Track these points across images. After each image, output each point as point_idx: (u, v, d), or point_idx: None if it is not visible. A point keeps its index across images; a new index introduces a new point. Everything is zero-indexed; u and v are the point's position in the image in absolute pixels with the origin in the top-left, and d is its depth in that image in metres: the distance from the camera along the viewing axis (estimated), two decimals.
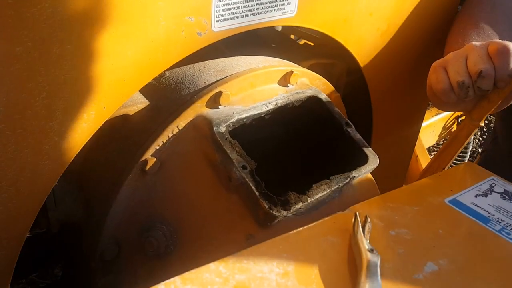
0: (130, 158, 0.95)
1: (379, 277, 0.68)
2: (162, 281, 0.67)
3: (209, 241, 0.94)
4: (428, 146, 2.46)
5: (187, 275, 0.66)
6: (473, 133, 1.18)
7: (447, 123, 2.27)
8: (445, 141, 2.90)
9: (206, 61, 1.09)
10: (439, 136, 2.29)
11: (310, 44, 1.49)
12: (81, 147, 0.83)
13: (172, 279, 0.66)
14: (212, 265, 0.68)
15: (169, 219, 0.96)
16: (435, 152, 3.00)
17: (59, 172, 0.81)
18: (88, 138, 0.83)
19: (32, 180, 0.78)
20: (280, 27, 1.49)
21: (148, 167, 0.94)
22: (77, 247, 1.06)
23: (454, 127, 2.31)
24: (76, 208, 1.03)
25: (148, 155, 0.95)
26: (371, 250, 0.73)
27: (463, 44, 1.22)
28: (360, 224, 0.79)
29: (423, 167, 1.81)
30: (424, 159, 1.89)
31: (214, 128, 0.94)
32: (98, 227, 0.98)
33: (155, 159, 0.95)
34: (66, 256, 1.20)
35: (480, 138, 3.49)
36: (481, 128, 2.48)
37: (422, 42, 1.44)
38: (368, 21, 1.24)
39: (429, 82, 1.12)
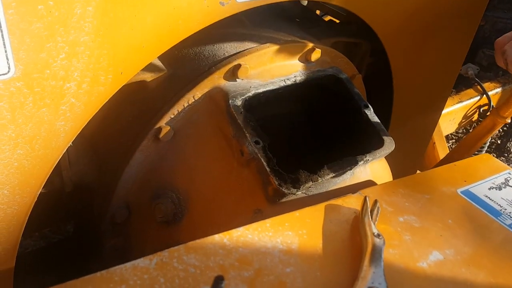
0: (145, 125, 0.96)
1: (382, 263, 0.68)
2: (169, 248, 0.68)
3: (217, 213, 0.95)
4: (447, 134, 2.42)
5: (191, 244, 0.67)
6: (498, 127, 1.17)
7: (468, 112, 2.22)
8: (467, 132, 2.85)
9: (227, 32, 1.07)
10: (458, 124, 2.24)
11: (335, 21, 1.46)
12: (97, 110, 0.83)
13: (176, 247, 0.67)
14: (216, 237, 0.69)
15: (179, 188, 0.97)
16: (454, 140, 2.95)
17: (74, 133, 0.82)
18: (105, 102, 0.83)
19: (47, 139, 0.79)
20: (306, 2, 1.45)
21: (162, 134, 0.95)
22: (89, 208, 1.09)
23: (475, 116, 2.26)
24: (89, 169, 1.04)
25: (162, 123, 0.95)
26: (377, 235, 0.72)
27: None
28: (369, 208, 0.79)
29: (440, 154, 1.79)
30: (441, 147, 1.87)
31: (230, 101, 0.94)
32: (109, 190, 0.99)
33: (169, 127, 0.95)
34: (78, 215, 1.22)
35: (501, 130, 3.42)
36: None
37: (450, 27, 1.40)
38: (395, 2, 1.20)
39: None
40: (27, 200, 0.83)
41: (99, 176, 1.05)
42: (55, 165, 0.83)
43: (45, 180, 0.84)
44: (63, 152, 0.83)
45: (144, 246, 1.03)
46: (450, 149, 2.68)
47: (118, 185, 0.98)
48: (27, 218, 0.85)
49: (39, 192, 0.84)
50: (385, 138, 1.03)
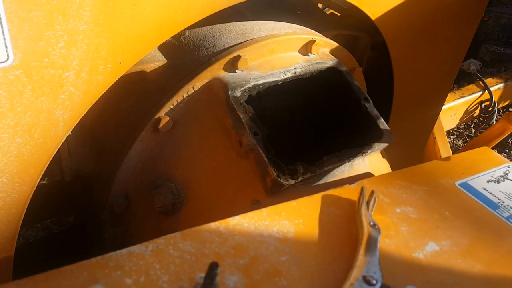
0: (144, 115, 0.96)
1: (377, 252, 0.68)
2: None
3: (216, 203, 0.95)
4: (448, 129, 2.41)
5: (187, 231, 0.67)
6: (508, 133, 1.16)
7: (469, 108, 2.22)
8: (468, 127, 2.84)
9: (227, 23, 1.07)
10: (460, 119, 2.23)
11: (337, 14, 1.46)
12: (96, 100, 0.83)
13: (173, 234, 0.67)
14: (212, 225, 0.69)
15: (177, 178, 0.98)
16: (455, 136, 2.94)
17: (73, 122, 0.82)
18: (104, 91, 0.84)
19: (46, 128, 0.80)
20: None
21: (161, 125, 0.95)
22: (89, 198, 1.09)
23: (477, 112, 2.26)
24: (88, 159, 1.05)
25: (162, 113, 0.96)
26: (373, 225, 0.73)
27: None
28: (365, 198, 0.79)
29: (441, 150, 1.79)
30: (442, 142, 1.86)
31: (229, 92, 0.94)
32: (109, 180, 1.00)
33: (168, 118, 0.95)
34: (78, 205, 1.23)
35: None
36: None
37: (452, 22, 1.39)
38: None
39: None
40: (26, 188, 0.84)
41: (98, 165, 1.05)
42: (54, 154, 0.84)
43: (44, 169, 0.84)
44: (62, 141, 0.83)
45: (143, 236, 1.03)
46: (451, 144, 2.67)
47: (117, 175, 0.99)
48: (26, 206, 0.86)
49: (38, 181, 0.84)
50: (384, 130, 1.03)
